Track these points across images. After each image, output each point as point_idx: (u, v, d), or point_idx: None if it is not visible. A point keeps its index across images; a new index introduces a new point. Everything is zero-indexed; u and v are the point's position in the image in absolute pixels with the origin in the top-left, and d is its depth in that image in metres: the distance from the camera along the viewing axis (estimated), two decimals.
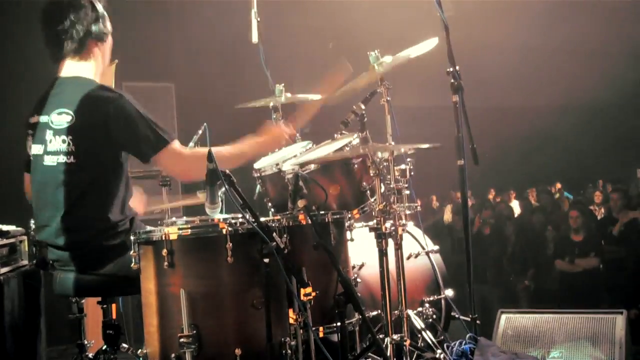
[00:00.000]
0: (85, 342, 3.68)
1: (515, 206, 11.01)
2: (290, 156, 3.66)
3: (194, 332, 2.52)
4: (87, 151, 2.83)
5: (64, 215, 2.86)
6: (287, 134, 3.22)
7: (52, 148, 2.85)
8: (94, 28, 2.93)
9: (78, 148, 2.82)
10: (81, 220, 2.87)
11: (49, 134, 2.86)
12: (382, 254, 3.32)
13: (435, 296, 3.91)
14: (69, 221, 2.87)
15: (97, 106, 2.81)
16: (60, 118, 2.84)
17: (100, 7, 2.96)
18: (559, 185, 12.36)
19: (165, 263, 2.58)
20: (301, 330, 2.64)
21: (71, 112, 2.82)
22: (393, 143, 3.41)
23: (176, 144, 2.90)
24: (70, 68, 2.96)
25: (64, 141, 2.82)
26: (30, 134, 2.95)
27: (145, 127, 2.80)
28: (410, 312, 3.52)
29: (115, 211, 2.90)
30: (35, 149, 2.92)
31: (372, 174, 3.32)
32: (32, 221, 3.79)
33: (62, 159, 2.83)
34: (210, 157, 2.53)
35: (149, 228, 2.86)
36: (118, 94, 2.86)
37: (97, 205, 2.86)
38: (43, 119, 2.89)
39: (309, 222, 2.83)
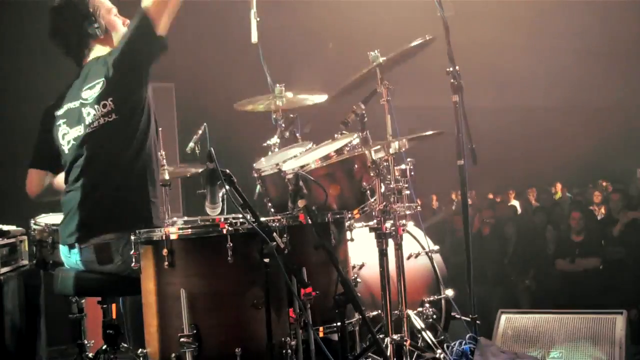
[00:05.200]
0: (85, 342, 3.69)
1: (516, 206, 10.99)
2: (290, 156, 3.65)
3: (194, 331, 2.53)
4: (123, 99, 2.91)
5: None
6: None
7: (89, 120, 2.92)
8: (89, 31, 3.05)
9: (116, 101, 2.90)
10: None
11: (84, 111, 2.94)
12: (382, 254, 3.32)
13: (436, 296, 3.91)
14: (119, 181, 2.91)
15: (109, 55, 2.97)
16: (91, 92, 2.94)
17: (83, 8, 3.04)
18: (559, 185, 12.35)
19: (166, 263, 2.59)
20: (301, 330, 2.64)
21: (102, 78, 2.93)
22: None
23: None
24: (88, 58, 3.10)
25: (104, 105, 2.90)
26: (59, 125, 3.04)
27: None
28: (410, 312, 3.52)
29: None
30: (74, 132, 2.98)
31: (372, 174, 3.32)
32: (32, 221, 3.80)
33: (105, 120, 2.90)
34: (210, 157, 2.53)
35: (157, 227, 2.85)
36: None
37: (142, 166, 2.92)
38: (73, 104, 2.99)
39: (309, 222, 2.83)
